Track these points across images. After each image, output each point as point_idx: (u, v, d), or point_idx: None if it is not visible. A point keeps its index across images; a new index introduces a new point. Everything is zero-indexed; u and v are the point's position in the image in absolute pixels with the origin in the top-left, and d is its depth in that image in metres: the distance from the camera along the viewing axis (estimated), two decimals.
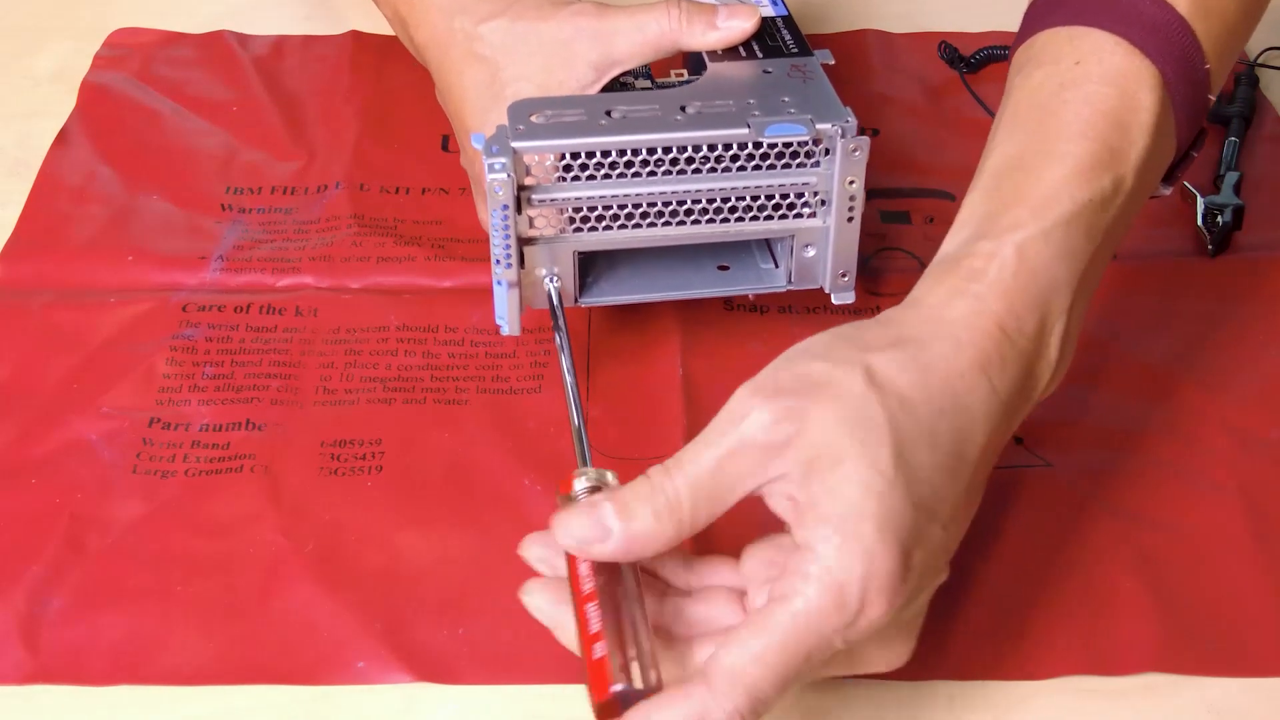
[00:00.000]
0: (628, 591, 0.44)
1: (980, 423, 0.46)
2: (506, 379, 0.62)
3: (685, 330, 0.64)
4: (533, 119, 0.55)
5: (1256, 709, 0.51)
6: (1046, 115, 0.51)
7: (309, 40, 0.81)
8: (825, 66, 0.59)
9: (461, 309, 0.65)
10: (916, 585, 0.44)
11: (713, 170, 0.56)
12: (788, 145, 0.55)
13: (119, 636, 0.52)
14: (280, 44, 0.81)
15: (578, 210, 0.56)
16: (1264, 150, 0.75)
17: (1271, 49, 0.79)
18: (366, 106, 0.76)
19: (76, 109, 0.76)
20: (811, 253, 0.58)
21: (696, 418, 0.61)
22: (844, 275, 0.59)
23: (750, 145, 0.55)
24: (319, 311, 0.65)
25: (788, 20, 0.63)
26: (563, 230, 0.56)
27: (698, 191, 0.56)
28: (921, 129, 0.76)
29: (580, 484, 0.47)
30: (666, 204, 0.56)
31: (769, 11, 0.64)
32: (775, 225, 0.57)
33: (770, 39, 0.61)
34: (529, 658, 0.52)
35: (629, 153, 0.55)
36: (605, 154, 0.55)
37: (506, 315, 0.57)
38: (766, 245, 0.61)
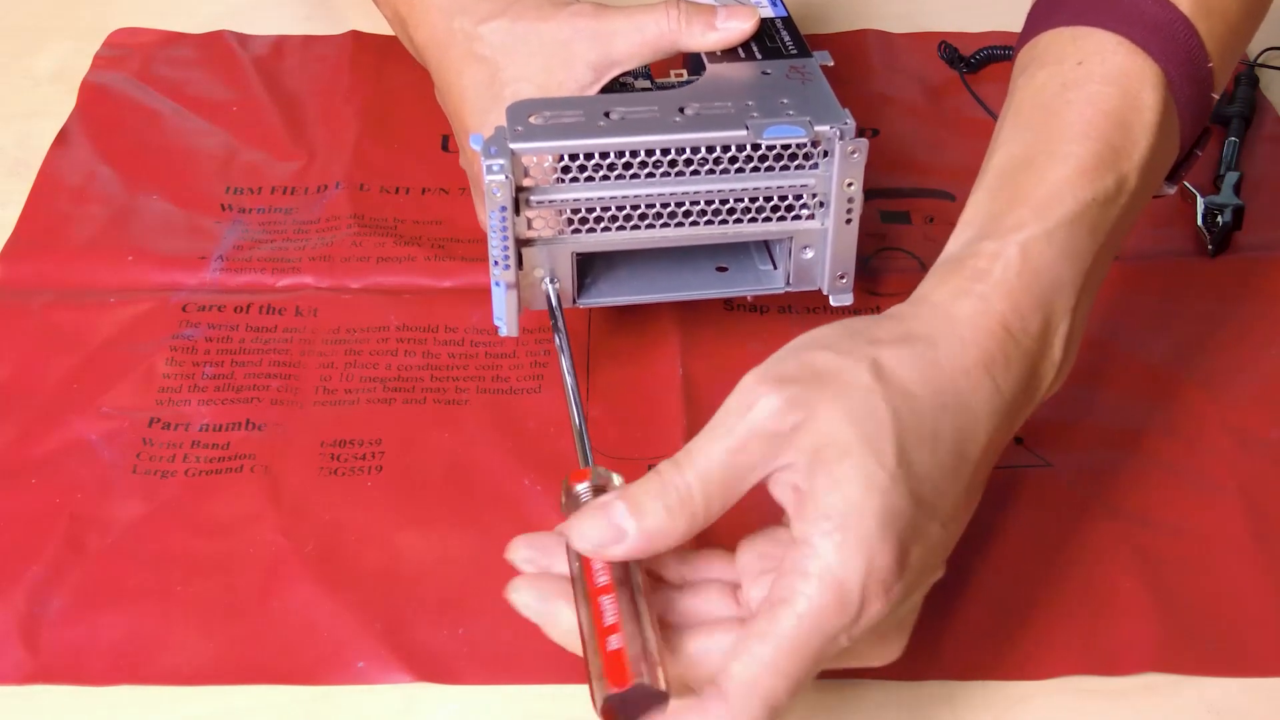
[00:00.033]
0: (637, 585, 0.44)
1: (983, 422, 0.46)
2: (506, 379, 0.63)
3: (685, 330, 0.64)
4: (531, 120, 0.55)
5: (1256, 709, 0.51)
6: (1049, 115, 0.51)
7: (309, 40, 0.81)
8: (824, 68, 0.59)
9: (461, 309, 0.65)
10: (913, 582, 0.44)
11: (711, 172, 0.56)
12: (786, 147, 0.55)
13: (119, 636, 0.52)
14: (280, 44, 0.81)
15: (576, 211, 0.56)
16: (1264, 150, 0.75)
17: (1271, 49, 0.79)
18: (366, 106, 0.77)
19: (76, 109, 0.76)
20: (810, 254, 0.58)
21: (696, 418, 0.61)
22: (842, 277, 0.59)
23: (749, 147, 0.55)
24: (319, 311, 0.65)
25: (787, 21, 0.63)
26: (561, 231, 0.56)
27: (696, 193, 0.56)
28: (921, 129, 0.76)
29: (582, 484, 0.47)
30: (665, 205, 0.56)
31: (768, 12, 0.64)
32: (773, 227, 0.57)
33: (769, 40, 0.61)
34: (529, 658, 0.52)
35: (627, 154, 0.55)
36: (604, 155, 0.55)
37: (505, 316, 0.57)
38: (765, 246, 0.61)
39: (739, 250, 0.61)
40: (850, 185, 0.56)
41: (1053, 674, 0.52)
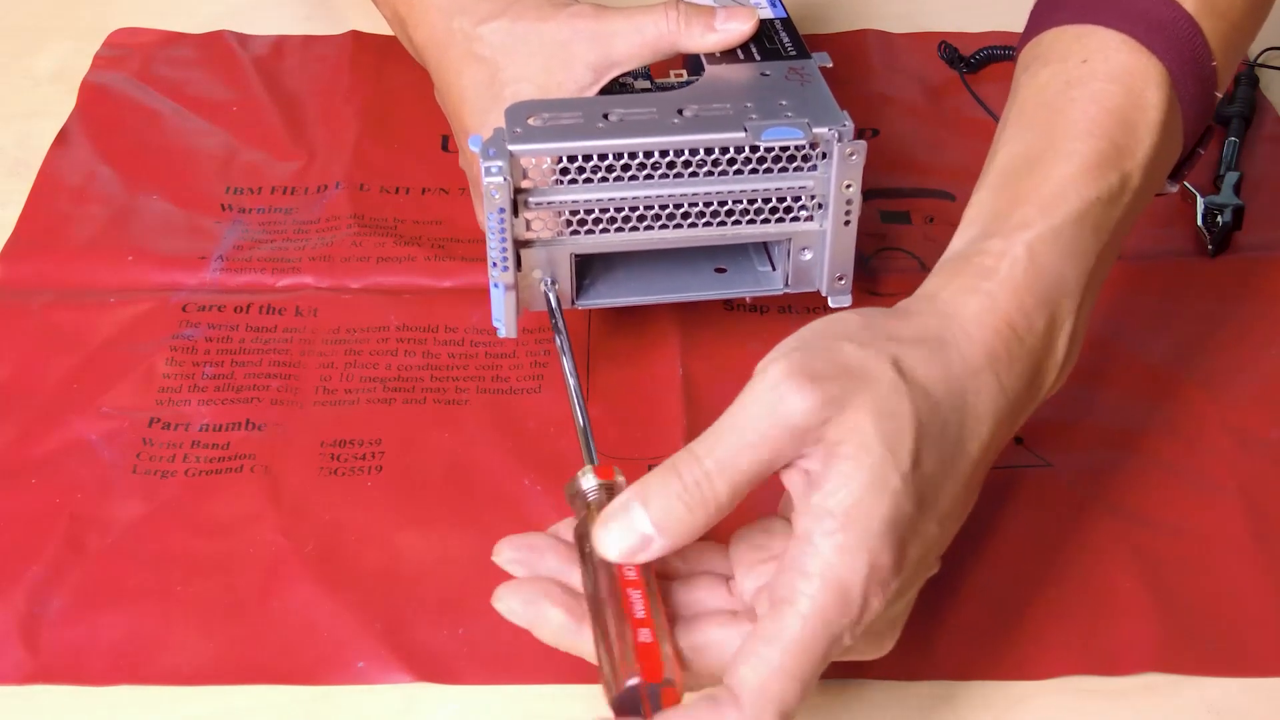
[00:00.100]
0: (653, 579, 0.44)
1: (986, 420, 0.46)
2: (506, 379, 0.63)
3: (684, 331, 0.64)
4: (530, 121, 0.55)
5: (1256, 709, 0.51)
6: (1053, 113, 0.51)
7: (309, 40, 0.81)
8: (823, 69, 0.59)
9: (461, 309, 0.65)
10: (909, 579, 0.44)
11: (710, 174, 0.56)
12: (784, 149, 0.55)
13: (119, 636, 0.52)
14: (280, 44, 0.81)
15: (575, 213, 0.56)
16: (1264, 150, 0.75)
17: (1271, 49, 0.79)
18: (366, 106, 0.77)
19: (76, 109, 0.76)
20: (808, 256, 0.58)
21: (696, 418, 0.61)
22: (840, 278, 0.59)
23: (747, 149, 0.55)
24: (319, 311, 0.65)
25: (786, 22, 0.63)
26: (560, 233, 0.56)
27: (695, 195, 0.56)
28: (921, 129, 0.76)
29: (590, 481, 0.47)
30: (664, 207, 0.56)
31: (767, 13, 0.64)
32: (772, 229, 0.57)
33: (768, 41, 0.61)
34: (529, 658, 0.52)
35: (626, 156, 0.55)
36: (602, 157, 0.55)
37: (504, 318, 0.57)
38: (764, 248, 0.61)
39: (738, 251, 0.61)
40: (849, 187, 0.56)
41: (1052, 674, 0.52)
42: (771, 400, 0.43)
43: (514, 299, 0.57)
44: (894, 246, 0.69)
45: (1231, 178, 0.70)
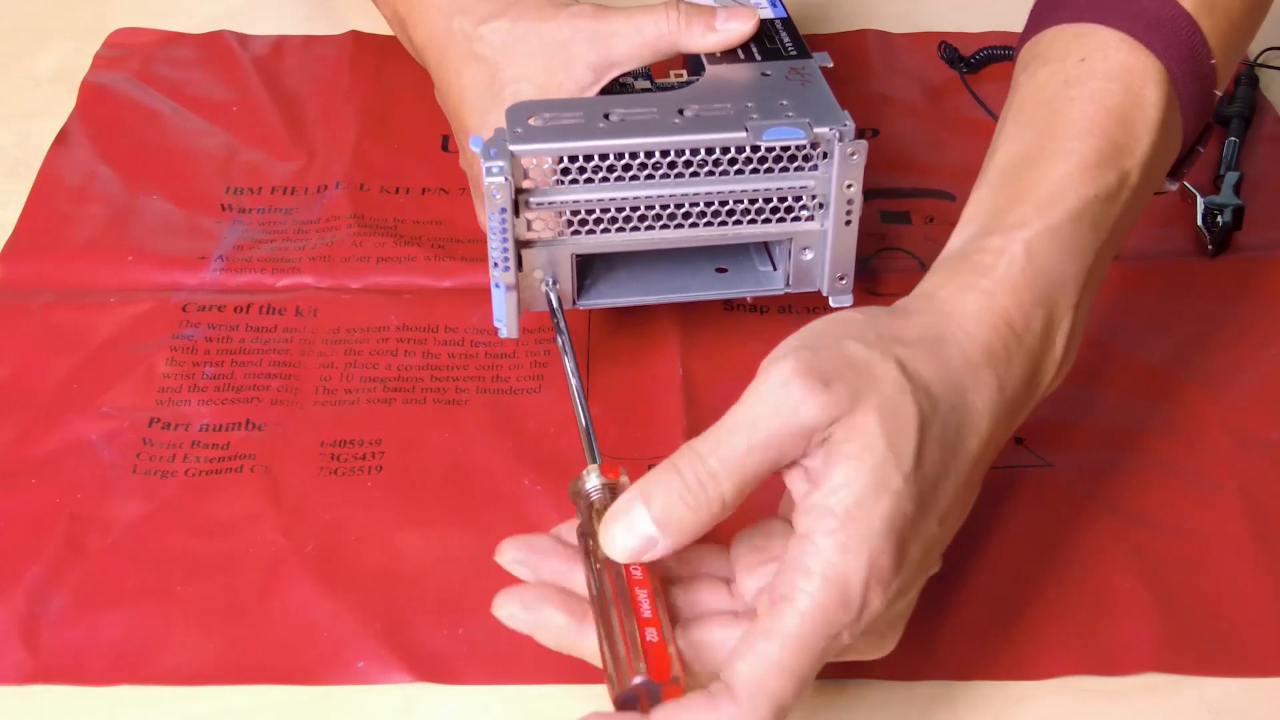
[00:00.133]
0: (656, 580, 0.45)
1: (984, 418, 0.46)
2: (506, 379, 0.63)
3: (685, 331, 0.64)
4: (531, 121, 0.55)
5: (1256, 709, 0.51)
6: (1052, 112, 0.51)
7: (309, 40, 0.81)
8: (824, 69, 0.59)
9: (461, 309, 0.65)
10: (910, 578, 0.44)
11: (711, 174, 0.56)
12: (785, 149, 0.55)
13: (119, 636, 0.52)
14: (280, 44, 0.81)
15: (576, 213, 0.56)
16: (1264, 150, 0.75)
17: (1271, 49, 0.79)
18: (366, 106, 0.77)
19: (76, 109, 0.76)
20: (809, 256, 0.58)
21: (696, 418, 0.61)
22: (842, 278, 0.59)
23: (748, 149, 0.55)
24: (319, 311, 0.65)
25: (786, 22, 0.63)
26: (561, 233, 0.56)
27: (696, 195, 0.56)
28: (921, 129, 0.76)
29: (594, 481, 0.47)
30: (665, 207, 0.56)
31: (768, 13, 0.64)
32: (773, 228, 0.57)
33: (769, 41, 0.61)
34: (529, 658, 0.52)
35: (627, 156, 0.55)
36: (603, 157, 0.55)
37: (505, 318, 0.57)
38: (765, 247, 0.61)
39: (738, 251, 0.61)
40: (850, 186, 0.56)
41: (1052, 674, 0.52)
42: (780, 399, 0.43)
43: (515, 299, 0.57)
44: (894, 246, 0.69)
45: (1231, 178, 0.70)
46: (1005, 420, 0.47)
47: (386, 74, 0.78)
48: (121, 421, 0.60)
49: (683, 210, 0.56)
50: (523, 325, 0.59)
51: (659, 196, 0.56)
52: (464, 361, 0.63)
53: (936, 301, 0.47)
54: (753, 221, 0.57)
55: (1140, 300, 0.67)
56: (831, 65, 0.60)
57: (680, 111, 0.56)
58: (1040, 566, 0.55)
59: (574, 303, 0.58)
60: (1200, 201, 0.69)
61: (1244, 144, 0.74)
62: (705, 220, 0.57)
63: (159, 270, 0.67)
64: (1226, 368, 0.63)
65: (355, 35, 0.81)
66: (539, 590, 0.45)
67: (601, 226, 0.56)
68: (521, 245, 0.56)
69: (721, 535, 0.47)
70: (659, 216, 0.56)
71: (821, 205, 0.57)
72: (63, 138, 0.74)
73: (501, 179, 0.54)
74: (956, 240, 0.50)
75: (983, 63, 0.80)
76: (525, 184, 0.55)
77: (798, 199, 0.57)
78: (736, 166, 0.56)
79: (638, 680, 0.42)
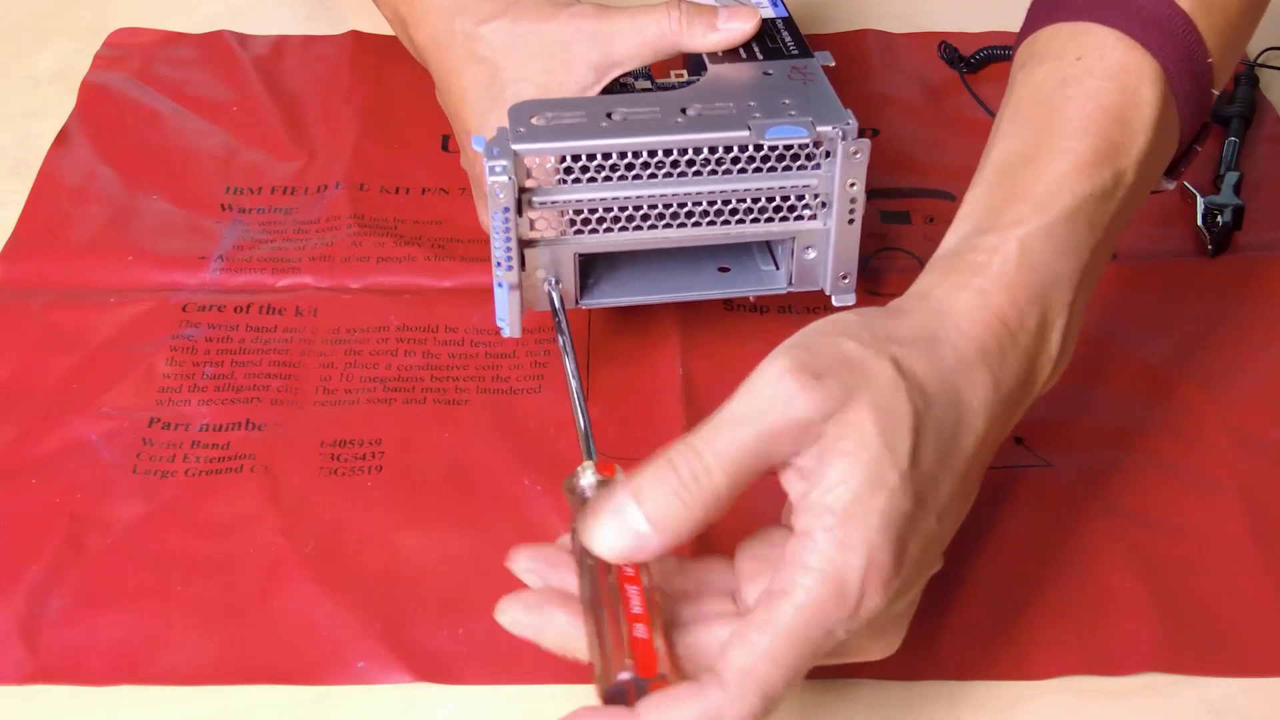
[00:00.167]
0: (647, 576, 0.44)
1: (980, 416, 0.46)
2: (506, 379, 0.63)
3: (685, 331, 0.64)
4: (533, 121, 0.55)
5: (1256, 709, 0.51)
6: (1048, 111, 0.51)
7: (309, 40, 0.81)
8: (825, 68, 0.59)
9: (461, 309, 0.65)
10: (911, 577, 0.44)
11: (713, 172, 0.56)
12: (788, 148, 0.55)
13: (119, 636, 0.52)
14: (280, 44, 0.81)
15: (578, 212, 0.56)
16: (1264, 150, 0.75)
17: (1271, 49, 0.80)
18: (366, 106, 0.77)
19: (76, 109, 0.76)
20: (812, 254, 0.58)
21: (696, 418, 0.60)
22: (844, 277, 0.59)
23: (751, 148, 0.55)
24: (319, 311, 0.65)
25: (788, 22, 0.63)
26: (563, 232, 0.56)
27: (698, 194, 0.56)
28: (921, 129, 0.76)
29: (588, 478, 0.47)
30: (667, 206, 0.56)
31: (769, 13, 0.64)
32: (776, 227, 0.57)
33: (770, 40, 0.61)
34: (529, 658, 0.51)
35: (630, 155, 0.55)
36: (606, 156, 0.55)
37: (507, 317, 0.57)
38: (767, 247, 0.61)
39: (741, 250, 0.61)
40: (852, 185, 0.56)
41: (1052, 674, 0.52)
42: (774, 394, 0.43)
43: (518, 299, 0.57)
44: (894, 246, 0.69)
45: (1231, 178, 0.70)
46: (1001, 418, 0.47)
47: (386, 74, 0.78)
48: (121, 421, 0.60)
49: (685, 209, 0.56)
50: (523, 325, 0.59)
51: (662, 196, 0.56)
52: (464, 361, 0.63)
53: (931, 300, 0.47)
54: (755, 221, 0.57)
55: (1140, 300, 0.67)
56: (833, 64, 0.60)
57: (683, 110, 0.56)
58: (1040, 566, 0.55)
59: (577, 302, 0.58)
60: (1200, 201, 0.69)
61: (1244, 144, 0.74)
62: (708, 219, 0.57)
63: (159, 270, 0.67)
64: (1226, 368, 0.63)
65: (355, 35, 0.81)
66: (542, 594, 0.45)
67: (604, 226, 0.56)
68: (524, 245, 0.56)
69: (724, 546, 0.47)
70: (662, 216, 0.56)
71: (824, 204, 0.57)
72: (63, 138, 0.74)
73: (505, 178, 0.53)
74: (952, 238, 0.50)
75: (983, 63, 0.80)
76: (528, 183, 0.55)
77: (800, 198, 0.57)
78: (739, 165, 0.56)
79: (624, 676, 0.41)
